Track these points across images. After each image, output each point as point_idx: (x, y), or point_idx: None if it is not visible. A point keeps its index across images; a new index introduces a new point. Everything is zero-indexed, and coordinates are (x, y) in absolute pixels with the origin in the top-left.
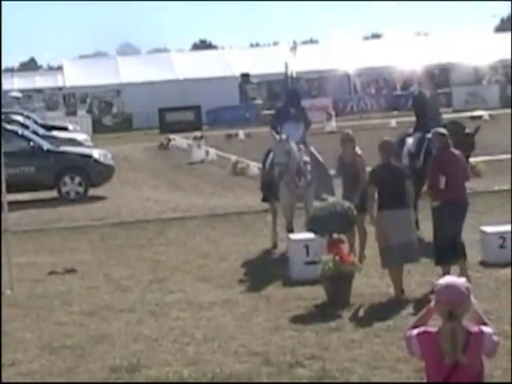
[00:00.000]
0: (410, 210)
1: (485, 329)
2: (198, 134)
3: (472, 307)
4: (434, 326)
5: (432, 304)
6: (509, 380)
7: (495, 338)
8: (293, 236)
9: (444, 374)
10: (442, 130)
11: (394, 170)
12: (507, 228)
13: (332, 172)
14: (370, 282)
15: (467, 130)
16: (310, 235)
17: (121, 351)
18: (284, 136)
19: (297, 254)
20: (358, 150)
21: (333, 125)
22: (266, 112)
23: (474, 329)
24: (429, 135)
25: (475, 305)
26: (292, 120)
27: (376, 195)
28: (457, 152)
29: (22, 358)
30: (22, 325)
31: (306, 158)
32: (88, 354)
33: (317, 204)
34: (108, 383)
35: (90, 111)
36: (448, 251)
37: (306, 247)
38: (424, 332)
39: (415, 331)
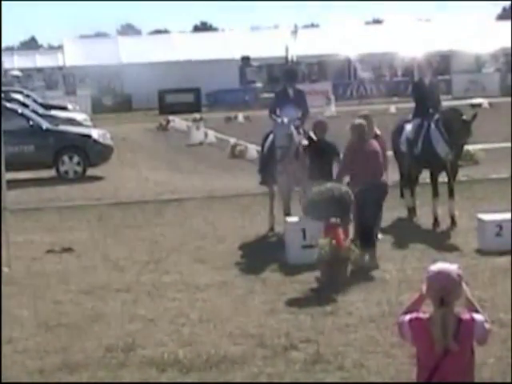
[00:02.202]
0: None
1: (476, 316)
2: (198, 115)
3: (464, 294)
4: (425, 312)
5: (423, 290)
6: (502, 368)
7: (487, 325)
8: (290, 219)
9: (434, 360)
10: (361, 121)
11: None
12: (504, 216)
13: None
14: (366, 267)
15: (464, 117)
16: (307, 219)
17: (116, 331)
18: (286, 119)
19: (294, 237)
20: (377, 130)
21: (332, 109)
22: (266, 95)
23: (466, 316)
24: (427, 122)
25: (467, 292)
26: (291, 104)
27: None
28: (373, 143)
29: (18, 335)
30: (18, 302)
31: (305, 142)
32: (84, 333)
33: (314, 188)
34: (103, 362)
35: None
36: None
37: (303, 231)
38: (416, 318)
39: (407, 317)
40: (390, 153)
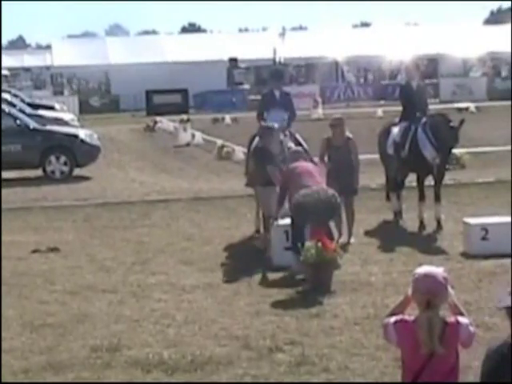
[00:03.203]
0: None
1: (461, 319)
2: (185, 117)
3: (449, 297)
4: (410, 315)
5: (409, 292)
6: None
7: (471, 328)
8: (274, 222)
9: (420, 363)
10: (298, 148)
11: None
12: (490, 220)
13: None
14: (352, 270)
15: (452, 123)
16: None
17: (102, 331)
18: (276, 125)
19: (278, 239)
20: (349, 134)
21: (319, 112)
22: (253, 97)
23: (451, 319)
24: (414, 125)
25: (452, 295)
26: (277, 106)
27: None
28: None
29: (4, 335)
30: (4, 302)
31: (291, 145)
32: (69, 333)
33: (300, 191)
34: (88, 363)
35: (76, 91)
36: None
37: (286, 233)
38: (401, 320)
39: (392, 319)
40: (373, 156)
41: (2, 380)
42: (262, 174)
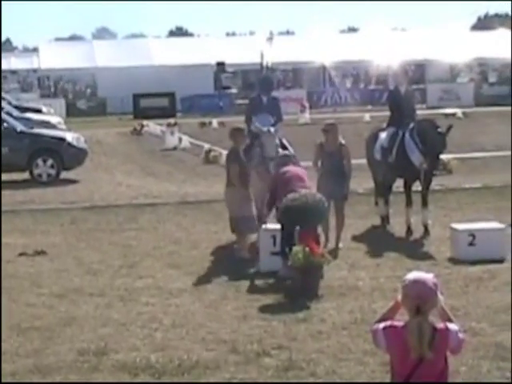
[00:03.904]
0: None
1: (451, 326)
2: (172, 120)
3: (439, 303)
4: (399, 320)
5: (399, 298)
6: (474, 376)
7: (461, 335)
8: (263, 226)
9: (409, 368)
10: (287, 152)
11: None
12: (477, 226)
13: (303, 164)
14: (339, 275)
15: (439, 130)
16: (278, 226)
17: (89, 335)
18: (272, 129)
19: (265, 244)
20: (342, 140)
21: (306, 117)
22: (240, 101)
23: (440, 325)
24: (402, 130)
25: (442, 301)
26: (264, 111)
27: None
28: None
29: None
30: None
31: (279, 149)
32: (56, 336)
33: (288, 195)
34: (75, 366)
35: (64, 95)
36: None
37: (273, 238)
38: (390, 326)
39: (382, 325)
40: (361, 161)
41: None
42: (227, 174)
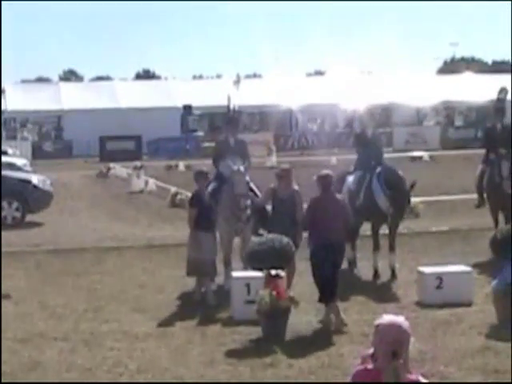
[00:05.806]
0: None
1: (422, 379)
2: (138, 163)
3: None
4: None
5: (372, 343)
6: None
7: None
8: (235, 273)
9: None
10: (327, 171)
11: None
12: (444, 269)
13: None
14: (306, 319)
15: (405, 186)
16: (252, 273)
17: (53, 380)
18: (241, 167)
19: (238, 292)
20: (296, 186)
21: (273, 160)
22: (207, 144)
23: (412, 376)
24: (369, 174)
25: (412, 344)
26: (232, 154)
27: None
28: (338, 196)
29: None
30: None
31: (249, 186)
32: (20, 382)
33: (255, 239)
34: None
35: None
36: (326, 292)
37: (247, 286)
38: (365, 369)
39: (354, 369)
40: None
41: None
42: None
